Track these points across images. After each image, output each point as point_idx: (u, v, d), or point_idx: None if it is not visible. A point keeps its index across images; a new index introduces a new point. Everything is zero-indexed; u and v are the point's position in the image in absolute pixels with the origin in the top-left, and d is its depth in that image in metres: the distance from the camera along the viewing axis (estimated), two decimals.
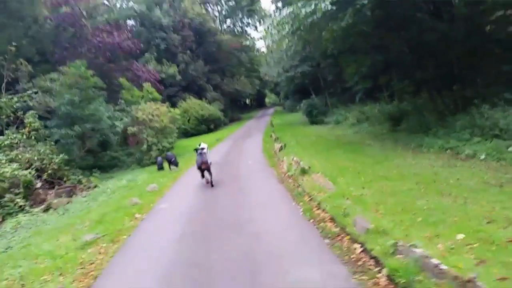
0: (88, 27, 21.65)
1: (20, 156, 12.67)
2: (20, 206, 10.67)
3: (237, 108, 48.40)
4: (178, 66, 32.61)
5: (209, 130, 31.89)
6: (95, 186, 13.33)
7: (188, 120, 30.19)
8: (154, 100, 20.25)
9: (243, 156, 14.06)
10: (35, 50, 18.46)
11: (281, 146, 11.98)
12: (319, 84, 26.72)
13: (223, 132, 30.39)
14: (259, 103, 70.38)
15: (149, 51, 30.69)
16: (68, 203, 10.99)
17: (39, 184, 11.99)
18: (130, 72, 22.85)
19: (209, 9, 42.46)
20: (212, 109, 33.17)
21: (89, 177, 15.14)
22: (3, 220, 10.22)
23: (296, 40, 13.62)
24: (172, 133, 19.23)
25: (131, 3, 33.73)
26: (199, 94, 35.16)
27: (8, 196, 10.70)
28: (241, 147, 17.26)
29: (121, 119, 19.74)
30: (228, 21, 44.87)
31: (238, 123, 39.00)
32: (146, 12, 32.68)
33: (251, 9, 42.30)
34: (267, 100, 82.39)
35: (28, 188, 11.55)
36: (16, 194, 10.97)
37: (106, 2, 30.01)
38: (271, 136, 18.35)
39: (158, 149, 17.34)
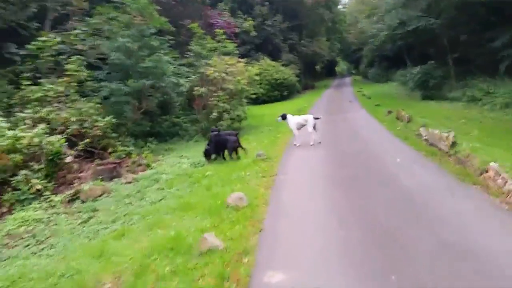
0: None
1: (52, 115, 9.13)
2: (38, 190, 7.11)
3: (309, 75, 42.41)
4: (254, 20, 27.54)
5: (282, 98, 27.00)
6: (148, 165, 9.44)
7: (260, 84, 25.46)
8: (228, 54, 15.74)
9: (367, 144, 9.10)
10: None
11: (453, 139, 6.72)
12: (437, 47, 20.05)
13: (300, 101, 25.33)
14: (328, 71, 62.32)
15: (223, 1, 26.02)
16: (103, 194, 7.14)
17: (69, 158, 8.29)
18: (203, 20, 18.39)
19: None
20: (288, 73, 28.05)
21: (142, 147, 11.41)
22: (10, 210, 6.72)
23: None
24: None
25: None
26: (273, 55, 29.98)
27: (23, 173, 7.16)
28: (350, 127, 12.24)
29: (187, 77, 15.61)
30: None
31: (314, 92, 33.46)
32: None
33: None
34: (337, 68, 74.46)
35: (54, 162, 7.95)
36: (36, 171, 7.44)
37: None
38: (389, 112, 12.99)
39: (231, 118, 13.07)
